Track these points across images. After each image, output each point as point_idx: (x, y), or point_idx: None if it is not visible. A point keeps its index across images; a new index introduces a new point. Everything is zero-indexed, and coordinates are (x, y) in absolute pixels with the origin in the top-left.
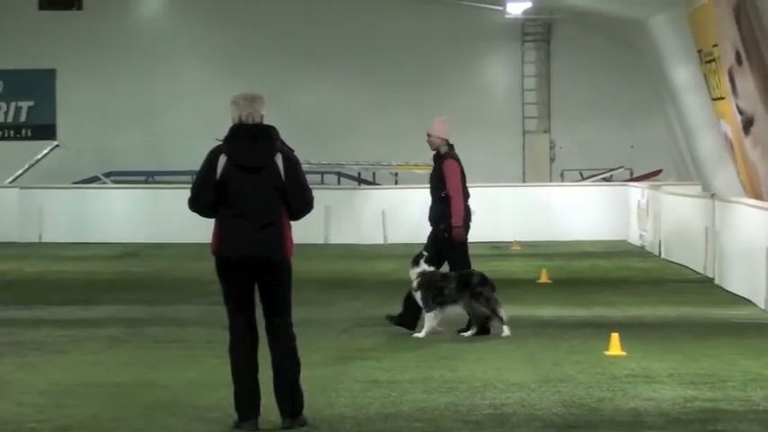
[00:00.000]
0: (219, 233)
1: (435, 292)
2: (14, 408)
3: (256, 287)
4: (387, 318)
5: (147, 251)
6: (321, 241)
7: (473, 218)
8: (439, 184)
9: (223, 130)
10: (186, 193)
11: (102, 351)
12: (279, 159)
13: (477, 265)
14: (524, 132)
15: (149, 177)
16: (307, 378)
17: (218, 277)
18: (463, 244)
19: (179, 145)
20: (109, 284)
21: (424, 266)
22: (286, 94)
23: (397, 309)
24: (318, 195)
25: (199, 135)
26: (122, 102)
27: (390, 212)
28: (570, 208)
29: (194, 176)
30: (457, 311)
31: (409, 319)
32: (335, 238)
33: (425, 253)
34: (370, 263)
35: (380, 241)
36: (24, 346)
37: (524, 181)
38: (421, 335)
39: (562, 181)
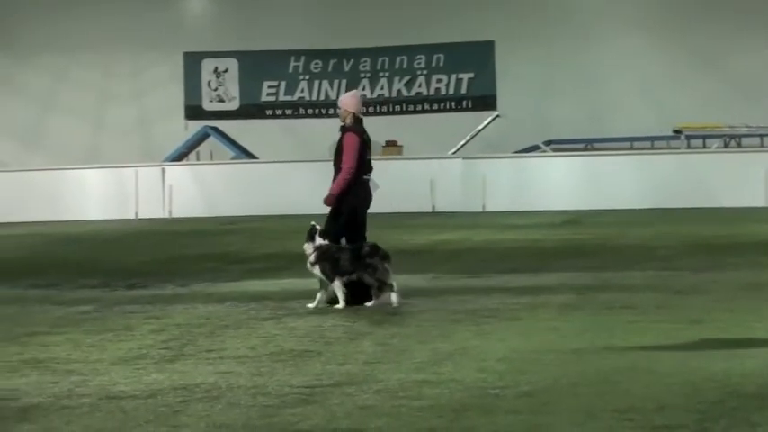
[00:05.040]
0: None
1: (332, 263)
2: (476, 374)
3: None
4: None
5: (589, 218)
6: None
7: (375, 191)
8: (340, 156)
9: (662, 97)
10: (626, 160)
11: (556, 318)
12: None
13: None
14: None
15: (588, 145)
16: None
17: None
18: (339, 214)
19: (617, 112)
20: (554, 252)
21: (319, 240)
22: (722, 56)
23: None
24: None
25: (637, 102)
26: (560, 70)
27: None
28: None
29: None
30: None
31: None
32: None
33: (318, 227)
34: None
35: None
36: (478, 314)
37: None
38: (340, 306)
39: None
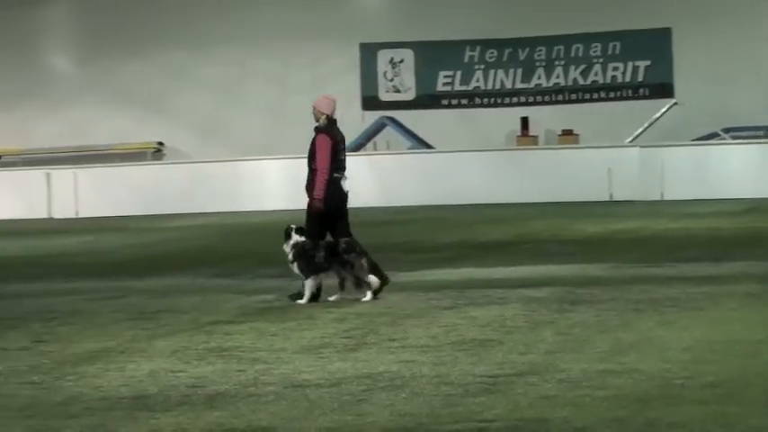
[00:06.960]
0: None
1: (308, 260)
2: (660, 364)
3: None
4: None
5: None
6: None
7: (346, 188)
8: (313, 157)
9: None
10: None
11: (740, 308)
12: None
13: None
14: None
15: None
16: None
17: None
18: (320, 215)
19: None
20: (735, 240)
21: (296, 238)
22: None
23: None
24: None
25: None
26: (738, 56)
27: None
28: None
29: None
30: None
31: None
32: None
33: (293, 226)
34: None
35: None
36: (661, 303)
37: None
38: (303, 301)
39: None
